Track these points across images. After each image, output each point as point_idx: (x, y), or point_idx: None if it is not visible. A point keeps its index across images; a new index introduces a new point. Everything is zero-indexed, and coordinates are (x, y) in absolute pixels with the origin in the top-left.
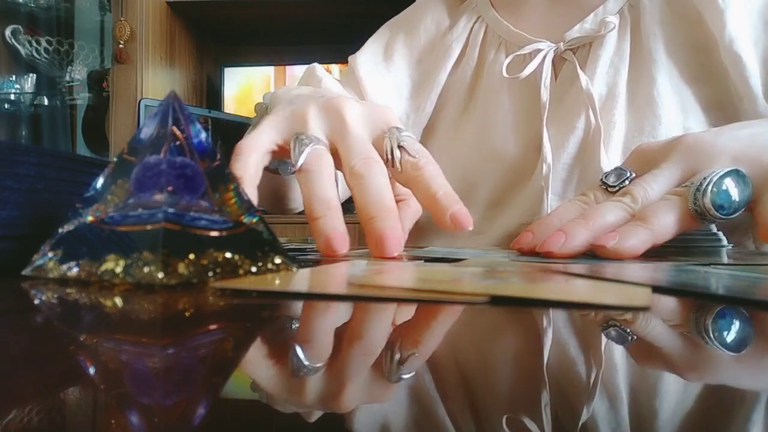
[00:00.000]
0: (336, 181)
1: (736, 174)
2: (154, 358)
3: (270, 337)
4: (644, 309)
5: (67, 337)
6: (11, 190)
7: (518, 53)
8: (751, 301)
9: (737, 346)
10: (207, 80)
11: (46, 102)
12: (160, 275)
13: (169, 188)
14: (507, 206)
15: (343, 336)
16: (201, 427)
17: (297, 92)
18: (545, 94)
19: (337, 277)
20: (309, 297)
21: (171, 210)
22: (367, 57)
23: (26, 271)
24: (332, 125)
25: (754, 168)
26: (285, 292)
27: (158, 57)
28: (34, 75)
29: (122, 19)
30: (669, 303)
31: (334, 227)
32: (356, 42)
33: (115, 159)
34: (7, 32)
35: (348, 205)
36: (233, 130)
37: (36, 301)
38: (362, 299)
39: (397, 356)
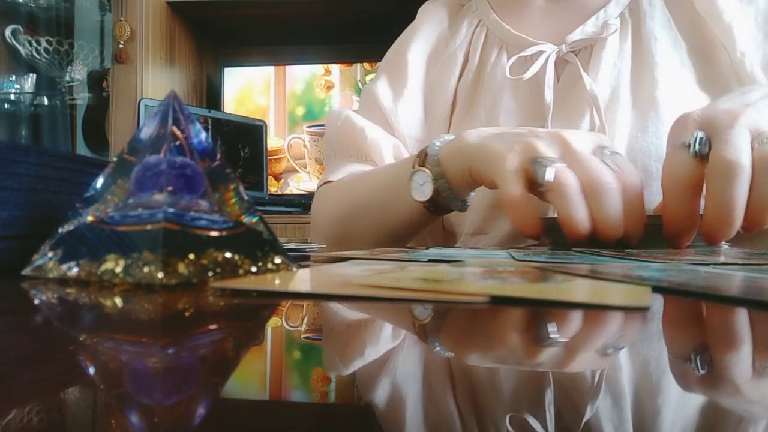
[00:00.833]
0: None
1: None
2: (154, 358)
3: (270, 337)
4: (644, 309)
5: (67, 337)
6: (11, 190)
7: (521, 55)
8: (751, 301)
9: (737, 347)
10: (207, 80)
11: (46, 102)
12: (160, 275)
13: (169, 188)
14: None
15: (344, 336)
16: (201, 427)
17: (487, 133)
18: (549, 95)
19: (337, 277)
20: (309, 297)
21: (171, 210)
22: (385, 87)
23: (26, 271)
24: (560, 149)
25: None
26: (285, 292)
27: (158, 57)
28: (34, 75)
29: (122, 19)
30: (669, 303)
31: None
32: (356, 42)
33: (115, 159)
34: (7, 32)
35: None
36: (233, 130)
37: (36, 301)
38: (362, 299)
39: (397, 356)
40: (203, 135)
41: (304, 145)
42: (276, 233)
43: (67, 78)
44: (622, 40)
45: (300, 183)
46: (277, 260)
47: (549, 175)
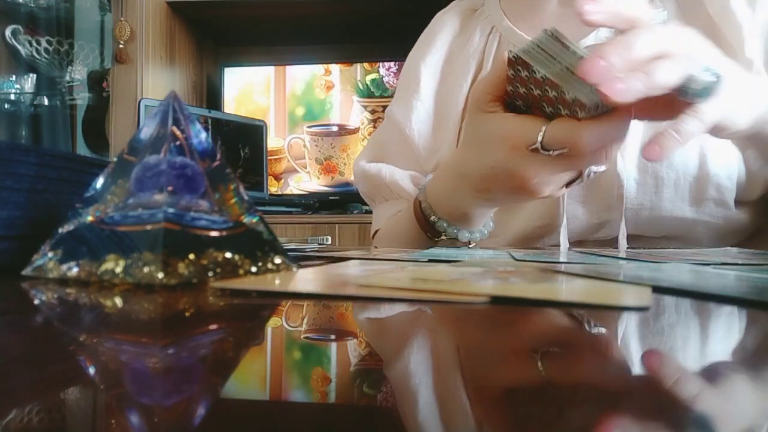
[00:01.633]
0: None
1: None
2: (154, 358)
3: (270, 338)
4: (644, 309)
5: (67, 337)
6: (11, 190)
7: None
8: (751, 301)
9: (737, 347)
10: (207, 80)
11: (46, 102)
12: (160, 275)
13: (169, 188)
14: (521, 209)
15: (343, 336)
16: (201, 427)
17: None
18: None
19: (337, 277)
20: (309, 297)
21: (171, 210)
22: (399, 104)
23: (26, 271)
24: None
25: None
26: (285, 292)
27: (158, 57)
28: (34, 75)
29: (122, 19)
30: (669, 303)
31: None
32: (356, 42)
33: (115, 159)
34: (7, 32)
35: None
36: (233, 130)
37: (36, 301)
38: (362, 299)
39: (397, 356)
40: (203, 135)
41: (304, 145)
42: (276, 233)
43: (67, 78)
44: None
45: (300, 183)
46: (277, 260)
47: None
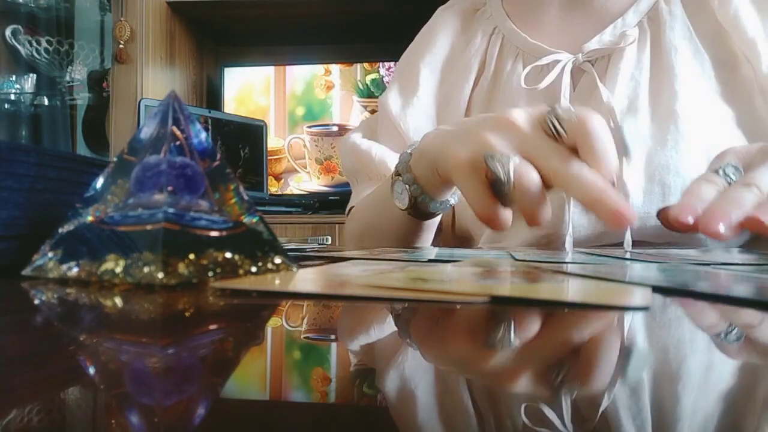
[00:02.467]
0: None
1: None
2: (154, 358)
3: (270, 338)
4: (644, 309)
5: (67, 337)
6: (11, 190)
7: (537, 64)
8: (751, 301)
9: (737, 346)
10: (207, 80)
11: (46, 102)
12: (160, 275)
13: (169, 188)
14: None
15: (343, 336)
16: (201, 427)
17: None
18: (565, 105)
19: (337, 277)
20: (309, 297)
21: (171, 210)
22: (395, 96)
23: (26, 271)
24: (512, 138)
25: None
26: (285, 292)
27: (158, 57)
28: (34, 75)
29: (122, 19)
30: (669, 303)
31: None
32: (356, 42)
33: (115, 159)
34: (7, 32)
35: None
36: (233, 130)
37: (36, 301)
38: (362, 299)
39: (397, 356)
40: (203, 135)
41: (304, 145)
42: (276, 233)
43: (67, 78)
44: (640, 50)
45: (300, 183)
46: (277, 260)
47: (510, 175)
